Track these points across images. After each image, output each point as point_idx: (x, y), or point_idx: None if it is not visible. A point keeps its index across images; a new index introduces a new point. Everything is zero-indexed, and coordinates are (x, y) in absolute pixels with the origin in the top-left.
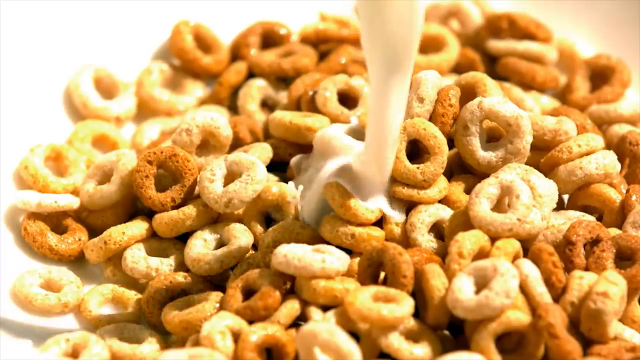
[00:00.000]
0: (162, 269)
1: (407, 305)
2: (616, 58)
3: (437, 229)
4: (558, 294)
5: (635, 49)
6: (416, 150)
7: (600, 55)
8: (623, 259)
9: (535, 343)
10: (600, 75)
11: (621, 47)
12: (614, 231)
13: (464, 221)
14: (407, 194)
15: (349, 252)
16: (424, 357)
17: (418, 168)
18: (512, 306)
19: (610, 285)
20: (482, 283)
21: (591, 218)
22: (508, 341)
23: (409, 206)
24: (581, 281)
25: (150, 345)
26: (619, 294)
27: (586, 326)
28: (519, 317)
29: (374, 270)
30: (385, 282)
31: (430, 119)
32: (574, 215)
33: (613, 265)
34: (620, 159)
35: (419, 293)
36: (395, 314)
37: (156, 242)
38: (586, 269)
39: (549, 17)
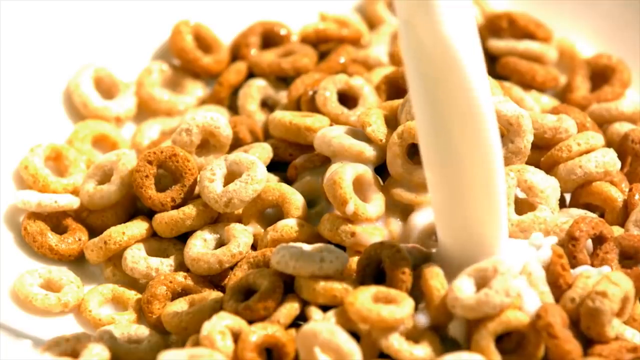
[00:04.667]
0: (162, 269)
1: (407, 306)
2: (617, 58)
3: None
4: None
5: (635, 49)
6: (419, 149)
7: (601, 55)
8: (626, 258)
9: (535, 343)
10: (601, 75)
11: (621, 47)
12: (615, 229)
13: None
14: (407, 197)
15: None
16: (424, 357)
17: (416, 171)
18: (512, 306)
19: (611, 285)
20: (482, 284)
21: (593, 216)
22: (508, 341)
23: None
24: (587, 280)
25: (150, 345)
26: (619, 295)
27: (585, 324)
28: (519, 316)
29: (372, 268)
30: (383, 281)
31: None
32: (576, 213)
33: (618, 266)
34: (622, 157)
35: (419, 293)
36: (395, 315)
37: (156, 242)
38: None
39: (549, 17)
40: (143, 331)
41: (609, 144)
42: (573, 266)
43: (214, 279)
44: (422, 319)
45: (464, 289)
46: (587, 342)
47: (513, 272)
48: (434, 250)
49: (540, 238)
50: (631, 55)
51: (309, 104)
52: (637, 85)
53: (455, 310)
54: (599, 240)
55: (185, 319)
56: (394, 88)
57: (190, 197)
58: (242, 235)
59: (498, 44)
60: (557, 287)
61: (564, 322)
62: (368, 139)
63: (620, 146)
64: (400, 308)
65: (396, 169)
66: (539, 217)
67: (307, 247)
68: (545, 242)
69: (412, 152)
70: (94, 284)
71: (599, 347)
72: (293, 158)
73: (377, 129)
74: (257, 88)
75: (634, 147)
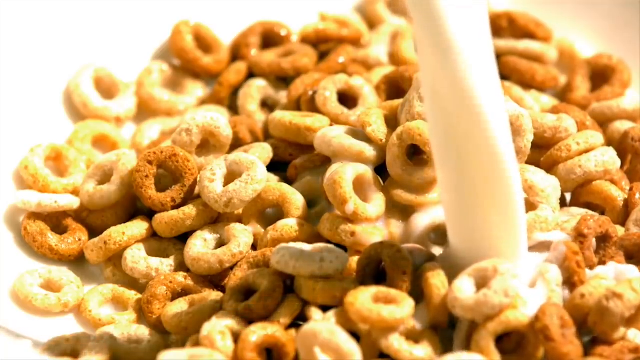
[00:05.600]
0: (162, 269)
1: (407, 306)
2: (617, 58)
3: (439, 232)
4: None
5: (635, 49)
6: (419, 149)
7: (601, 55)
8: (628, 257)
9: (535, 344)
10: (601, 75)
11: (621, 47)
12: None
13: None
14: (407, 198)
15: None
16: (424, 357)
17: (416, 172)
18: (512, 306)
19: (630, 290)
20: (482, 284)
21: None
22: (508, 342)
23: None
24: (601, 281)
25: (150, 345)
26: (634, 302)
27: (593, 319)
28: (519, 317)
29: (372, 268)
30: (384, 281)
31: None
32: (577, 212)
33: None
34: (623, 155)
35: (419, 294)
36: (395, 316)
37: (156, 242)
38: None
39: (549, 17)
40: (143, 331)
41: (609, 142)
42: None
43: (214, 279)
44: (422, 319)
45: (463, 289)
46: (593, 339)
47: (513, 272)
48: (433, 249)
49: (551, 236)
50: (631, 55)
51: (309, 104)
52: (637, 85)
53: (455, 311)
54: (602, 238)
55: (185, 319)
56: (394, 88)
57: (190, 197)
58: (242, 235)
59: (498, 44)
60: (572, 284)
61: (565, 322)
62: (368, 139)
63: (620, 144)
64: (400, 308)
65: (396, 170)
66: (540, 216)
67: (307, 247)
68: (558, 238)
69: (412, 152)
70: (94, 284)
71: (600, 348)
72: (293, 158)
73: (377, 129)
74: (257, 88)
75: (633, 145)
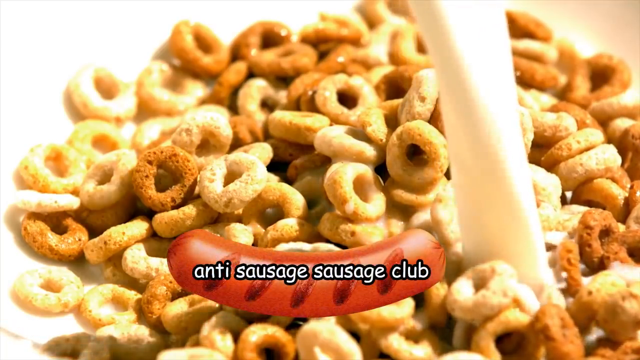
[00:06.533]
0: (162, 269)
1: (407, 306)
2: (617, 58)
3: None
4: (572, 293)
5: (635, 49)
6: (419, 149)
7: (601, 55)
8: (629, 254)
9: (535, 344)
10: (601, 75)
11: (621, 47)
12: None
13: None
14: (407, 198)
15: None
16: (424, 357)
17: (416, 172)
18: (511, 306)
19: None
20: (481, 285)
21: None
22: (508, 342)
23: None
24: (606, 278)
25: (150, 345)
26: None
27: (603, 317)
28: (518, 317)
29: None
30: None
31: (431, 118)
32: (578, 209)
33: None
34: (623, 153)
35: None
36: (395, 315)
37: (156, 242)
38: (600, 262)
39: (549, 17)
40: (143, 331)
41: (610, 140)
42: (588, 255)
43: None
44: (422, 319)
45: (462, 291)
46: (599, 338)
47: (510, 272)
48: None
49: (555, 236)
50: (631, 55)
51: (309, 104)
52: (638, 85)
53: (454, 313)
54: (605, 233)
55: (185, 319)
56: (394, 87)
57: (190, 197)
58: (242, 235)
59: None
60: (565, 281)
61: (565, 322)
62: (368, 139)
63: (621, 142)
64: (400, 308)
65: (396, 170)
66: (542, 214)
67: (307, 246)
68: (558, 238)
69: (412, 152)
70: (94, 284)
71: (603, 348)
72: (293, 158)
73: (377, 128)
74: (257, 88)
75: (634, 143)
